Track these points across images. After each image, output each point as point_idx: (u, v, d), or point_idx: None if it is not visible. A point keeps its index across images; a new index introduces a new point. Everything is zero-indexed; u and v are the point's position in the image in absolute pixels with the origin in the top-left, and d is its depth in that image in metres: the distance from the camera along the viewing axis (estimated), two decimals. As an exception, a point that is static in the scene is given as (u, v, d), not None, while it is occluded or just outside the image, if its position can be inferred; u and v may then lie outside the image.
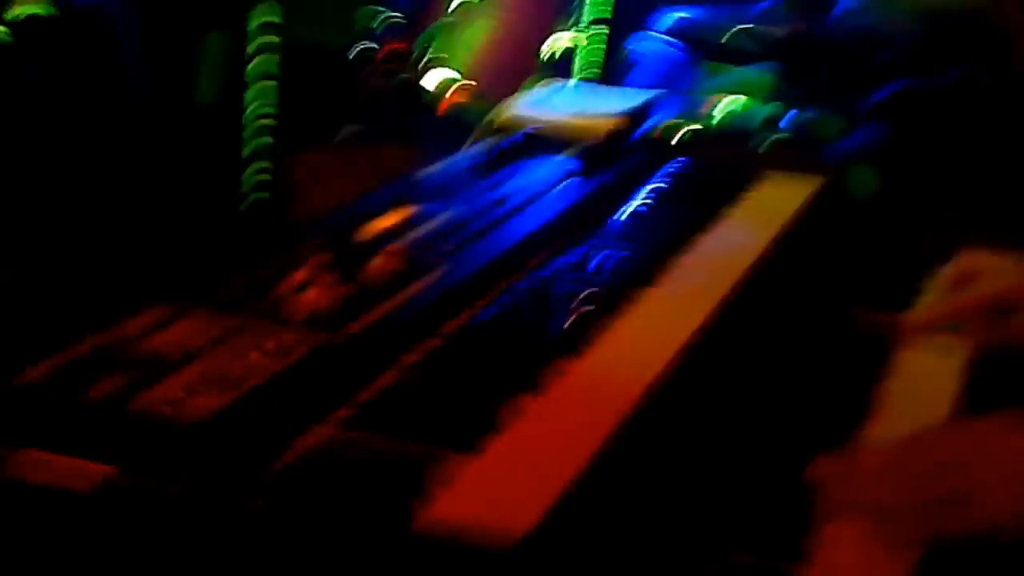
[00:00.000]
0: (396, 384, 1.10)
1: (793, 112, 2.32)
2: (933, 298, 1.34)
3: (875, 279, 1.50)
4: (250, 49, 1.31)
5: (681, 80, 2.45)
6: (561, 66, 1.91)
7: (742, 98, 2.42)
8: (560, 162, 1.56)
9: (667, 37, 2.45)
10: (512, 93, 1.78)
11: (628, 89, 1.97)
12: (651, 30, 2.43)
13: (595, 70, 1.93)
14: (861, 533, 1.01)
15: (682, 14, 2.39)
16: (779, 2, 2.35)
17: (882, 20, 2.64)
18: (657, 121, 1.75)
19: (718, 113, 2.37)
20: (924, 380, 1.30)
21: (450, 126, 1.69)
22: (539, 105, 1.68)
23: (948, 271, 1.33)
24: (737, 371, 1.29)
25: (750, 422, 1.18)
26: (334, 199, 1.42)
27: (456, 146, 1.60)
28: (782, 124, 2.29)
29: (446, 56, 1.72)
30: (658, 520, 1.00)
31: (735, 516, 1.03)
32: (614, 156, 1.62)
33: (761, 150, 2.24)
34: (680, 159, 1.73)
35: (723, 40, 2.38)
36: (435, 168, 1.46)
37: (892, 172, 2.41)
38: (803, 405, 1.21)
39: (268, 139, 1.34)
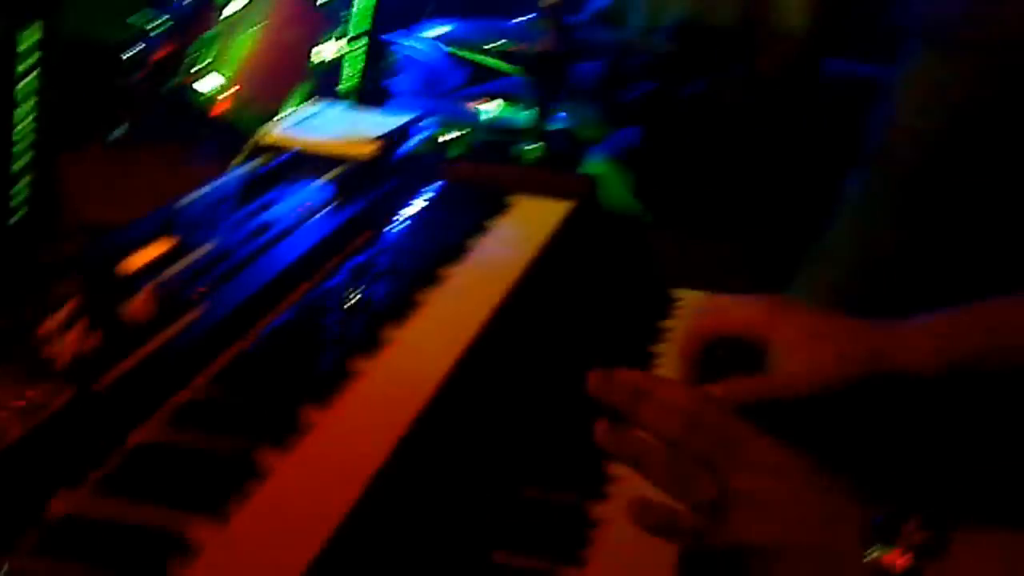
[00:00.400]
0: (147, 443, 1.10)
1: (553, 118, 2.39)
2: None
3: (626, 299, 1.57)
4: (19, 68, 1.27)
5: (444, 87, 2.50)
6: (328, 75, 1.92)
7: (502, 105, 2.49)
8: (323, 185, 1.57)
9: (431, 46, 2.49)
10: (281, 100, 1.78)
11: (392, 109, 1.99)
12: (416, 39, 2.46)
13: (359, 80, 1.95)
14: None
15: (445, 27, 2.42)
16: (536, 17, 2.40)
17: (634, 30, 2.73)
18: (420, 139, 1.78)
19: (481, 119, 2.43)
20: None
21: (220, 132, 1.68)
22: (304, 125, 1.68)
23: (698, 313, 1.41)
24: (499, 398, 1.33)
25: (514, 444, 1.23)
26: (103, 204, 1.40)
27: (226, 152, 1.59)
28: (542, 130, 2.36)
29: (218, 62, 1.70)
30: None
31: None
32: (377, 178, 1.64)
33: (524, 159, 2.31)
34: (438, 182, 1.77)
35: (484, 51, 2.43)
36: (197, 193, 1.45)
37: (645, 175, 2.52)
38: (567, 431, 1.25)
39: (34, 151, 1.30)
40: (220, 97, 1.71)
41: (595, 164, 2.56)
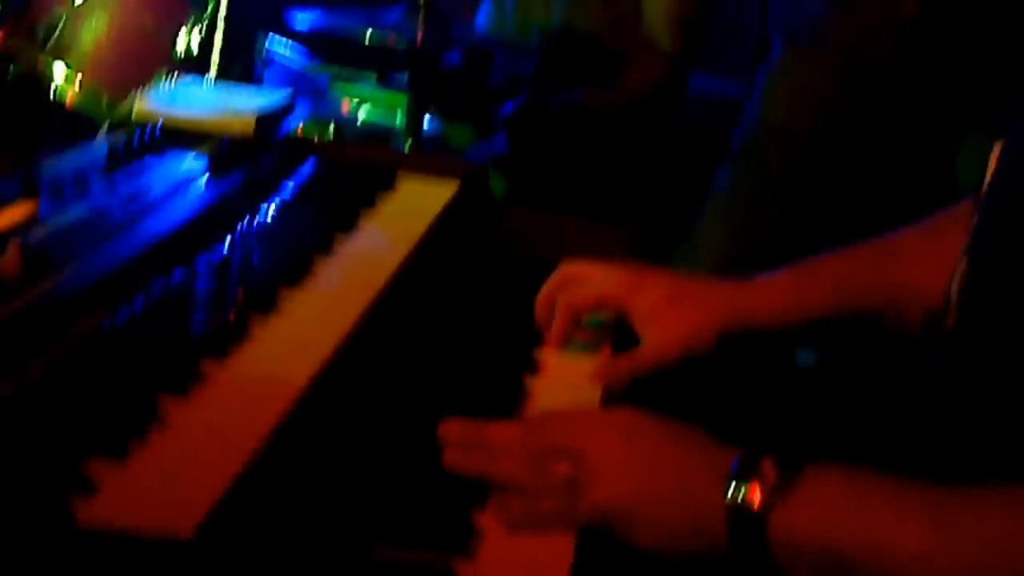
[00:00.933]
0: (32, 387, 1.02)
1: (424, 120, 2.34)
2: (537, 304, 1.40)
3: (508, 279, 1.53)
4: None
5: (314, 81, 2.42)
6: (193, 61, 1.83)
7: (373, 103, 2.42)
8: (193, 159, 1.49)
9: (301, 38, 2.42)
10: (141, 85, 1.69)
11: (265, 88, 1.92)
12: (285, 29, 2.39)
13: (224, 66, 1.87)
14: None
15: (315, 16, 2.36)
16: (410, 12, 2.36)
17: (508, 38, 2.72)
18: (294, 121, 1.71)
19: (353, 116, 2.36)
20: (568, 379, 1.34)
21: (75, 118, 1.58)
22: (173, 100, 1.59)
23: (552, 279, 1.39)
24: (388, 372, 1.28)
25: (404, 420, 1.18)
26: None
27: (82, 138, 1.49)
28: (414, 131, 2.31)
29: (72, 46, 1.60)
30: (320, 514, 1.01)
31: (398, 510, 1.04)
32: (250, 155, 1.56)
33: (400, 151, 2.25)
34: (315, 160, 1.70)
35: (358, 44, 2.37)
36: (62, 160, 1.35)
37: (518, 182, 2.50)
38: (454, 403, 1.20)
39: None
40: (70, 84, 1.60)
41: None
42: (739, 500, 0.98)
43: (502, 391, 1.28)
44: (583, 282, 1.38)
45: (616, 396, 1.31)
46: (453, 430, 1.10)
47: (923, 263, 1.30)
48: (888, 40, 2.17)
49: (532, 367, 1.34)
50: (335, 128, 2.17)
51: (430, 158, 1.78)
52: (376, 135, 2.31)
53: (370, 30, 2.31)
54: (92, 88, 1.56)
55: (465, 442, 1.09)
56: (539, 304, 1.40)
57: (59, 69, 1.57)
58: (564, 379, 1.34)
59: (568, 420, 1.11)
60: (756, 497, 0.97)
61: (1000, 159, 1.10)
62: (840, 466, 1.00)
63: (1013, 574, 0.91)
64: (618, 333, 1.42)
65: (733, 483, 0.98)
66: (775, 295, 1.35)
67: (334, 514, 1.03)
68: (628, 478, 1.03)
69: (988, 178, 1.12)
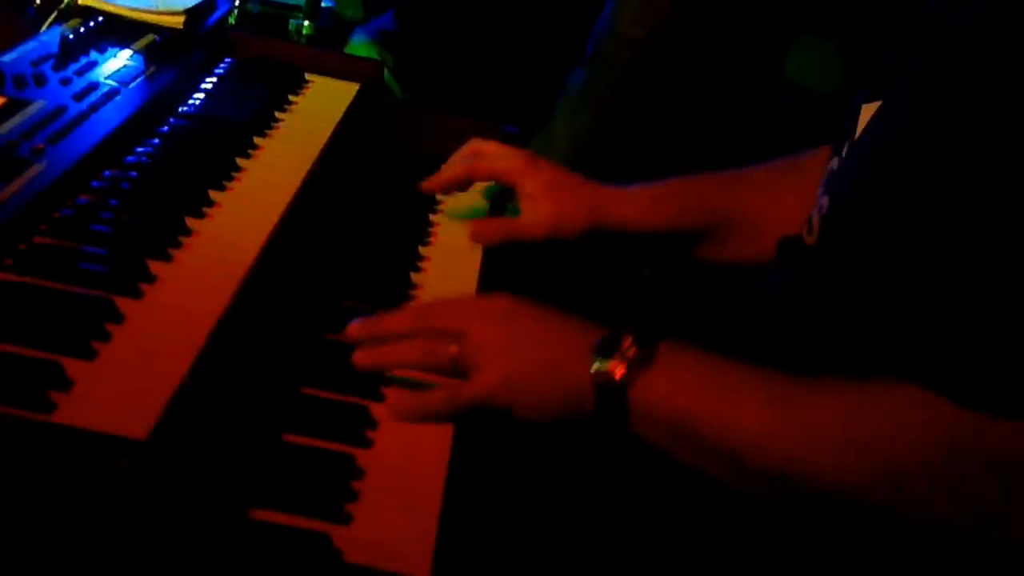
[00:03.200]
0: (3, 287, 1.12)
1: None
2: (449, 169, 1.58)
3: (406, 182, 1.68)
4: None
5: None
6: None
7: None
8: (137, 52, 1.59)
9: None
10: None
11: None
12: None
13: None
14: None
15: None
16: None
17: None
18: (224, 12, 1.81)
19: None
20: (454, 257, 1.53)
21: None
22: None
23: (462, 150, 1.58)
24: (303, 267, 1.44)
25: (314, 314, 1.33)
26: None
27: (31, 26, 1.58)
28: (311, 9, 2.42)
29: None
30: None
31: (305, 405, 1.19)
32: (180, 50, 1.67)
33: (301, 34, 2.35)
34: (234, 61, 1.82)
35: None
36: (20, 50, 1.45)
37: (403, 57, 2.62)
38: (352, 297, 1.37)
39: None
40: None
41: (358, 46, 2.64)
42: (603, 372, 1.10)
43: (391, 287, 1.44)
44: (486, 156, 1.56)
45: (491, 285, 1.49)
46: (356, 330, 1.22)
47: (779, 194, 1.46)
48: None
49: (417, 265, 1.51)
50: (242, 5, 2.27)
51: (333, 59, 1.91)
52: (279, 7, 2.41)
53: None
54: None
55: (369, 338, 1.21)
56: (444, 167, 1.58)
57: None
58: (445, 274, 1.51)
59: (452, 305, 1.23)
60: (618, 369, 1.09)
61: (876, 119, 1.19)
62: (693, 346, 1.12)
63: (833, 452, 1.02)
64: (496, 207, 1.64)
65: (599, 357, 1.10)
66: (642, 202, 1.51)
67: (252, 408, 1.17)
68: (507, 355, 1.15)
69: (858, 132, 1.21)
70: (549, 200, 1.50)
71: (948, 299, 1.01)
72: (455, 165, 1.58)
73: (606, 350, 1.11)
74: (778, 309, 1.28)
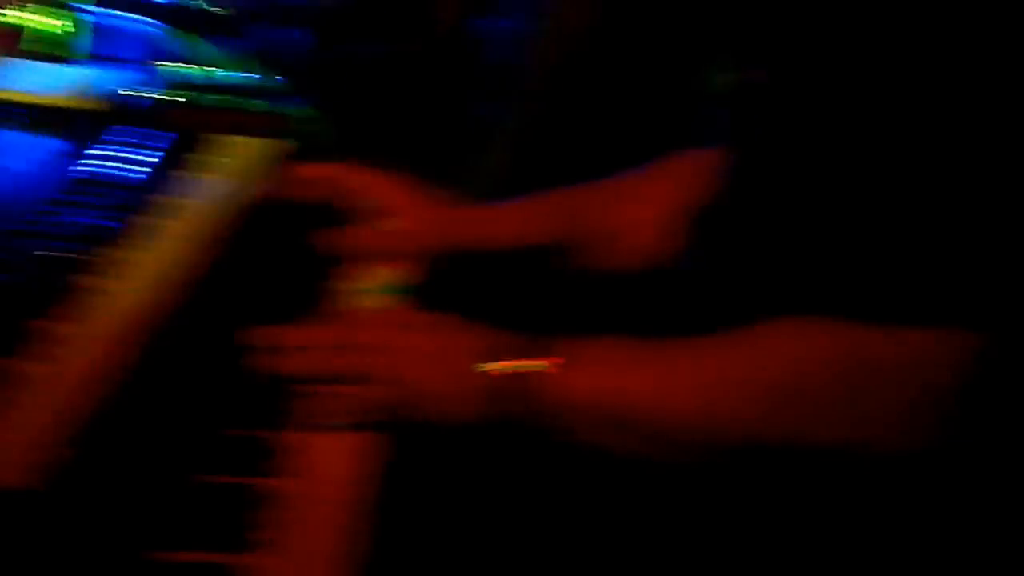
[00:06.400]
0: None
1: (247, 77, 2.44)
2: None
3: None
4: None
5: (147, 50, 2.50)
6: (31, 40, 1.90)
7: (202, 66, 2.51)
8: (48, 140, 1.59)
9: (130, 10, 2.49)
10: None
11: (106, 65, 2.00)
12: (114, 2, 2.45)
13: (61, 43, 1.94)
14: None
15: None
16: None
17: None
18: (139, 93, 1.81)
19: (185, 79, 2.44)
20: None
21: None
22: (23, 81, 1.68)
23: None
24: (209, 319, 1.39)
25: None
26: None
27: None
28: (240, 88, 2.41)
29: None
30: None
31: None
32: (99, 130, 1.66)
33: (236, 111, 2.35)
34: (159, 130, 1.81)
35: (184, 14, 2.45)
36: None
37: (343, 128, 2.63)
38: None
39: None
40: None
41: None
42: (514, 373, 1.11)
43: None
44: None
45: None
46: (258, 336, 1.17)
47: (643, 203, 1.46)
48: None
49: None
50: (176, 89, 2.27)
51: (262, 119, 1.91)
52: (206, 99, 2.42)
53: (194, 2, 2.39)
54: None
55: (272, 346, 1.17)
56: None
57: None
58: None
59: (362, 317, 1.25)
60: (528, 369, 1.11)
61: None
62: (589, 337, 1.13)
63: (741, 393, 1.05)
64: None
65: (496, 358, 1.12)
66: (509, 221, 1.50)
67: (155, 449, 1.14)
68: (423, 363, 1.15)
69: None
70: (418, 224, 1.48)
71: (826, 218, 1.04)
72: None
73: (515, 352, 1.12)
74: (697, 284, 1.28)
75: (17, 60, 1.79)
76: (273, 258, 1.58)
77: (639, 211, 1.43)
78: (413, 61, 2.83)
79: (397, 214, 1.49)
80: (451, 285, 1.52)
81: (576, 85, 2.37)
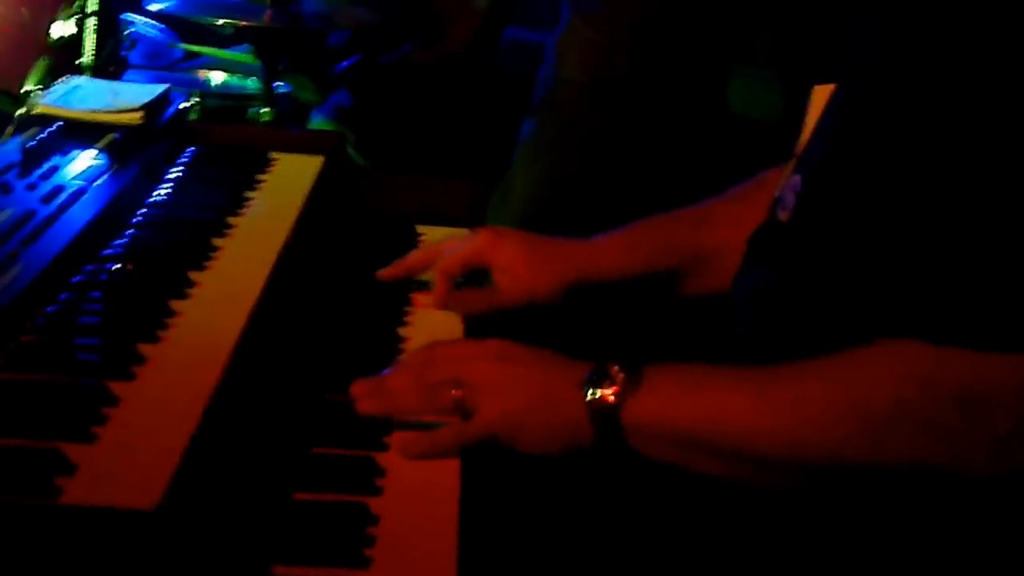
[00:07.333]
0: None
1: (274, 85, 2.45)
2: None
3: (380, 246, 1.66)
4: None
5: (168, 60, 2.50)
6: (65, 51, 1.90)
7: (227, 75, 2.52)
8: (99, 151, 1.57)
9: (155, 21, 2.49)
10: (18, 78, 1.75)
11: (145, 82, 1.99)
12: (140, 14, 2.45)
13: (96, 55, 1.93)
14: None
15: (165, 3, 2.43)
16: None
17: (340, 5, 2.83)
18: (175, 107, 1.80)
19: (212, 86, 2.45)
20: (436, 328, 1.50)
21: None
22: (67, 98, 1.67)
23: (418, 255, 1.57)
24: (290, 337, 1.42)
25: (308, 380, 1.31)
26: None
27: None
28: (270, 94, 2.42)
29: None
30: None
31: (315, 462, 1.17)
32: (142, 145, 1.66)
33: (259, 121, 2.35)
34: (199, 147, 1.79)
35: (208, 24, 2.46)
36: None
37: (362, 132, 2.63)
38: (344, 360, 1.35)
39: None
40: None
41: (318, 124, 2.65)
42: (596, 399, 1.13)
43: (381, 344, 1.43)
44: (448, 249, 1.54)
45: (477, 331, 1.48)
46: (360, 387, 1.23)
47: (732, 226, 1.46)
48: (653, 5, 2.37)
49: (403, 320, 1.49)
50: (199, 100, 2.27)
51: (296, 135, 1.90)
52: (237, 103, 2.42)
53: (220, 14, 2.39)
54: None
55: (371, 393, 1.23)
56: (405, 271, 1.57)
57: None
58: (430, 328, 1.49)
59: (449, 353, 1.24)
60: (609, 396, 1.13)
61: (836, 93, 1.22)
62: (675, 363, 1.15)
63: (822, 419, 1.06)
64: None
65: (589, 387, 1.14)
66: (613, 252, 1.51)
67: (259, 470, 1.15)
68: (506, 395, 1.18)
69: (811, 113, 1.25)
70: (523, 269, 1.50)
71: (912, 245, 1.04)
72: (414, 255, 1.57)
73: (596, 380, 1.15)
74: (760, 305, 1.28)
75: (64, 76, 1.78)
76: (352, 280, 1.59)
77: (731, 235, 1.43)
78: (431, 73, 2.84)
79: (507, 271, 1.51)
80: (542, 318, 1.53)
81: (610, 100, 2.37)
